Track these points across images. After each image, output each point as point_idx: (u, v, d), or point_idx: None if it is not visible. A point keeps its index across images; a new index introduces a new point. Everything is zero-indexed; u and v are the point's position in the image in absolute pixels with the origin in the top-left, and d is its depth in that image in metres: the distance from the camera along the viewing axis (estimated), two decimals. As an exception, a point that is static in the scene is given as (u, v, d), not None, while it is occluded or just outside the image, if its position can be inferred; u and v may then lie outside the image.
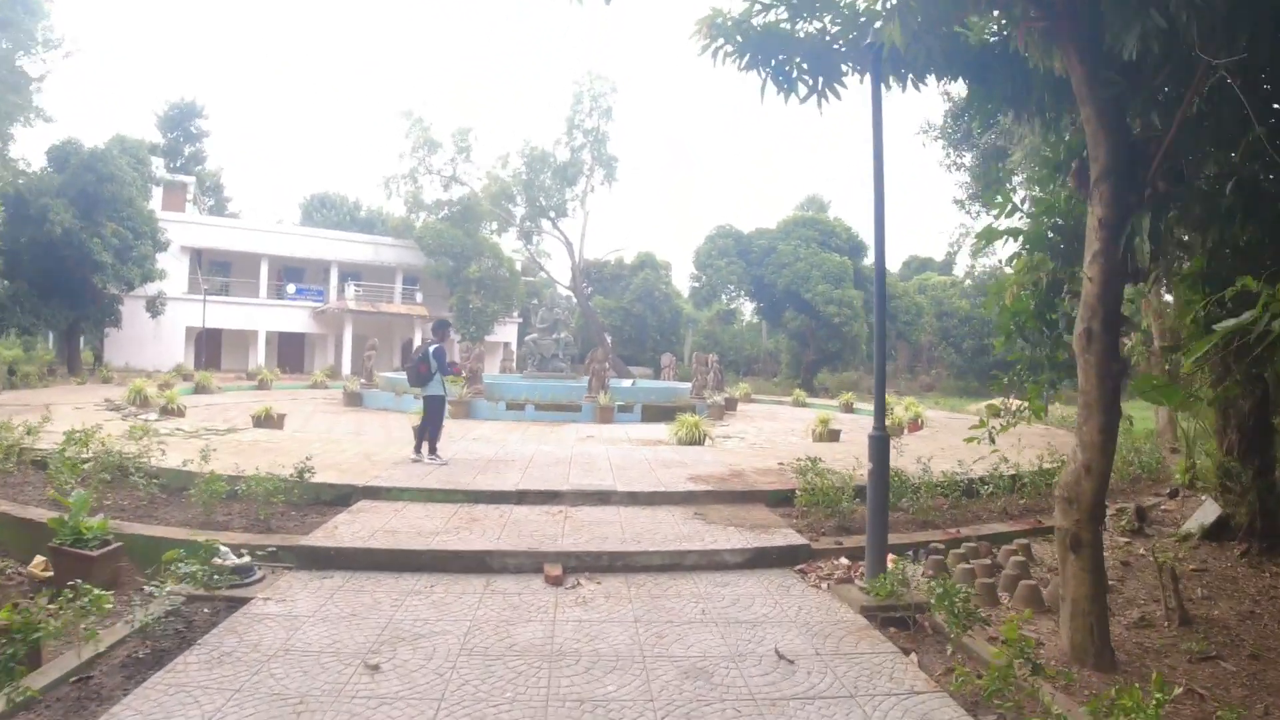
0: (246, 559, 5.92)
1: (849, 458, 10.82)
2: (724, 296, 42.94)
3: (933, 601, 4.85)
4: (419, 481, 8.30)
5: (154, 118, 49.84)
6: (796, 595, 5.75)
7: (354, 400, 20.46)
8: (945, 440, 14.40)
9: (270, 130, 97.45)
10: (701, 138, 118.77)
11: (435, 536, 6.48)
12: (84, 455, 7.76)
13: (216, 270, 40.11)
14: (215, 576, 5.39)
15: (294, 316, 39.42)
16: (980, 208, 22.53)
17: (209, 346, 39.08)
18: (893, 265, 51.04)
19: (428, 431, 9.90)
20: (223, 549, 5.90)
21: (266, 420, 12.96)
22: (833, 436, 15.15)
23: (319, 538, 6.38)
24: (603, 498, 8.06)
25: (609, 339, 43.96)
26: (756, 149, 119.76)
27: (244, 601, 5.25)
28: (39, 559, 5.89)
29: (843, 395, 28.65)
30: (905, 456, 10.81)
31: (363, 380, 21.63)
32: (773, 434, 17.14)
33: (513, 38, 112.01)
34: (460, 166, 41.45)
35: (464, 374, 19.03)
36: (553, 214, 43.26)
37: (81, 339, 35.71)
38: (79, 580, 4.45)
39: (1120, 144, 4.50)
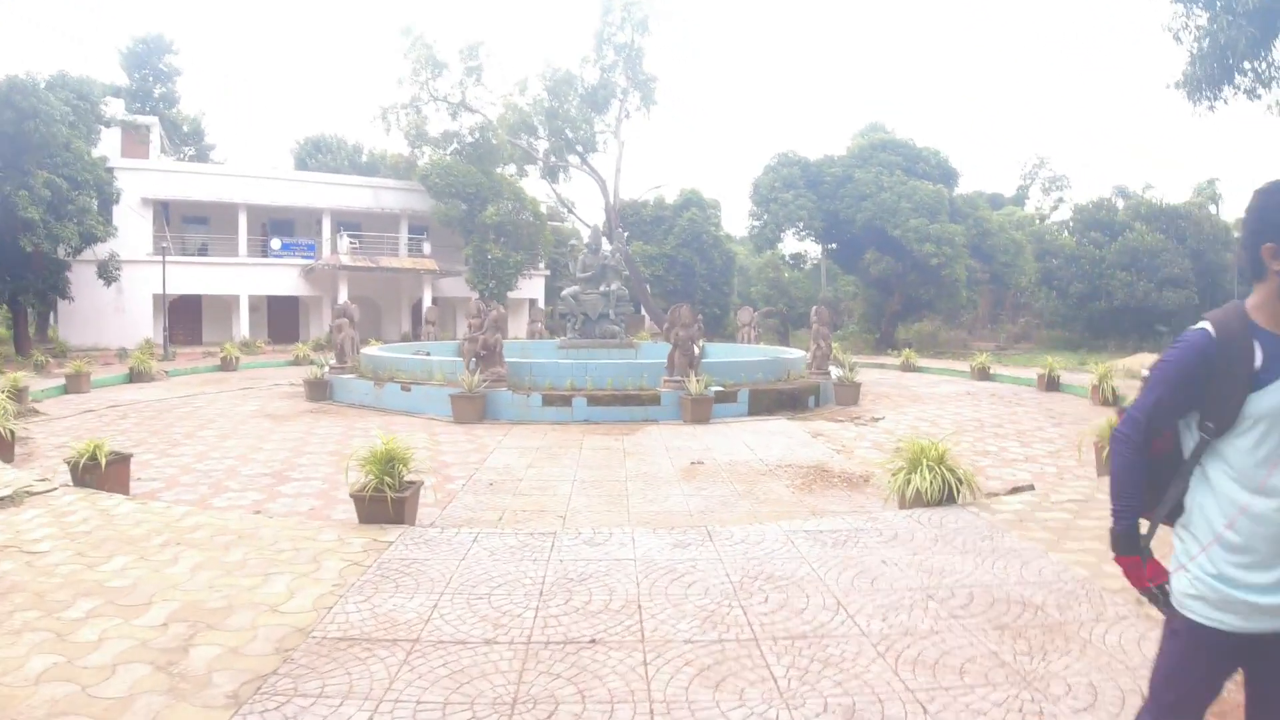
0: None
1: None
2: (790, 236, 35.83)
3: None
4: None
5: (117, 56, 42.69)
6: None
7: (319, 392, 14.11)
8: None
9: (258, 68, 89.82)
10: (745, 56, 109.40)
11: None
12: None
13: (190, 226, 33.90)
14: None
15: (281, 277, 33.02)
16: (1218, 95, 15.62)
17: (187, 316, 33.07)
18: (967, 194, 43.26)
19: None
20: None
21: (89, 470, 6.65)
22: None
23: None
24: None
25: (649, 289, 37.22)
26: (807, 69, 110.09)
27: None
28: None
29: (975, 356, 21.81)
30: None
31: (331, 363, 15.18)
32: (1003, 447, 10.59)
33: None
34: (470, 91, 34.53)
35: (473, 350, 12.63)
36: (581, 148, 36.37)
37: (51, 315, 30.06)
38: None
39: None
